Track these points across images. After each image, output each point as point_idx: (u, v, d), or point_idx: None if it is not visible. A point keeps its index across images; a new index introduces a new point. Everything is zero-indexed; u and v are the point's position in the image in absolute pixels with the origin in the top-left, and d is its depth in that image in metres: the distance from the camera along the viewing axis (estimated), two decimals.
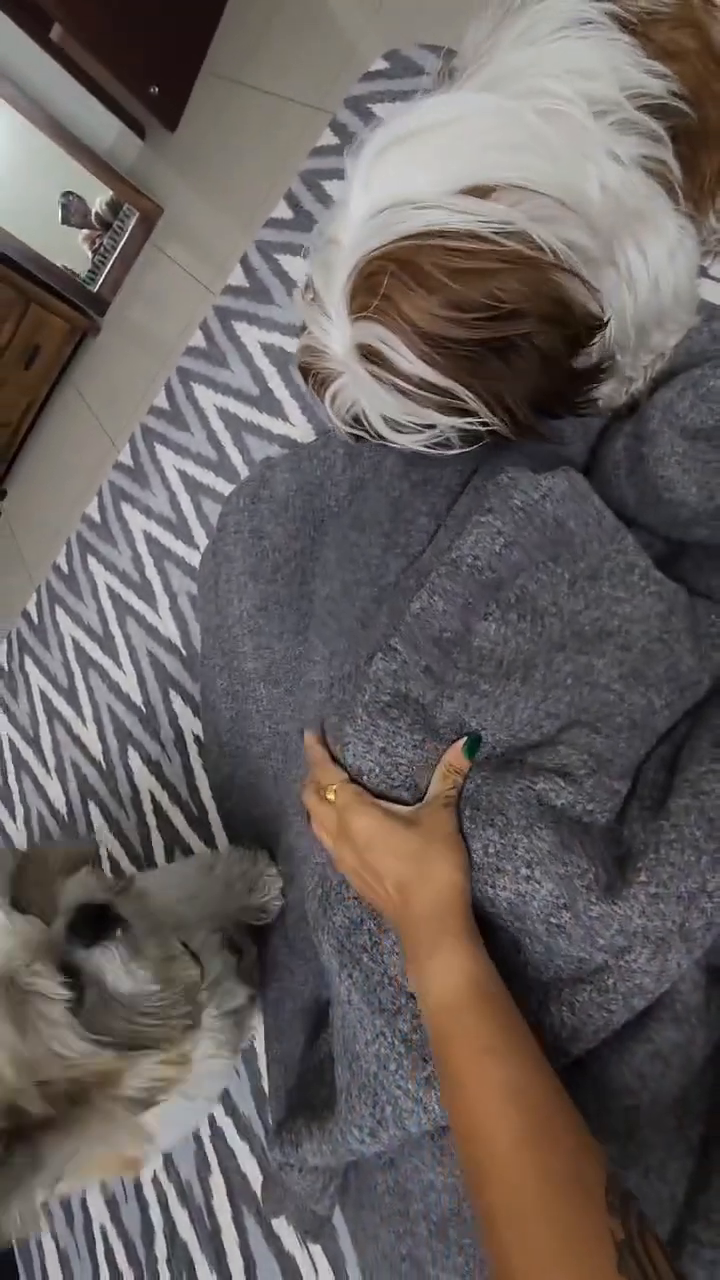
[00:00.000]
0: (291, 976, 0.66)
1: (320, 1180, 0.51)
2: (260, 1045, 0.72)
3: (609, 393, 0.61)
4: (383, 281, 0.37)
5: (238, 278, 1.00)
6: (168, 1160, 0.75)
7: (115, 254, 2.13)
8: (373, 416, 0.42)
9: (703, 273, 0.60)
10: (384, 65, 0.91)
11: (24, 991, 0.40)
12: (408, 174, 0.38)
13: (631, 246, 0.47)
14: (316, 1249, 0.63)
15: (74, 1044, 0.40)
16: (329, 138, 0.95)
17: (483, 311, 0.36)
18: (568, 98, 0.40)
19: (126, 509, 1.07)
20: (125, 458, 1.09)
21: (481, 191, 0.37)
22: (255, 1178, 0.70)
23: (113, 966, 0.44)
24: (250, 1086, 0.72)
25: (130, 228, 2.09)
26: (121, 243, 2.11)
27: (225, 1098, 0.73)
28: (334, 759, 0.51)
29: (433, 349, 0.38)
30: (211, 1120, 0.73)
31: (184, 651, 0.92)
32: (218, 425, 0.98)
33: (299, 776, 0.62)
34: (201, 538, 0.96)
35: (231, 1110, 0.73)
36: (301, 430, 0.89)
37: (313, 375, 0.45)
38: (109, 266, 2.13)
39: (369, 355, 0.40)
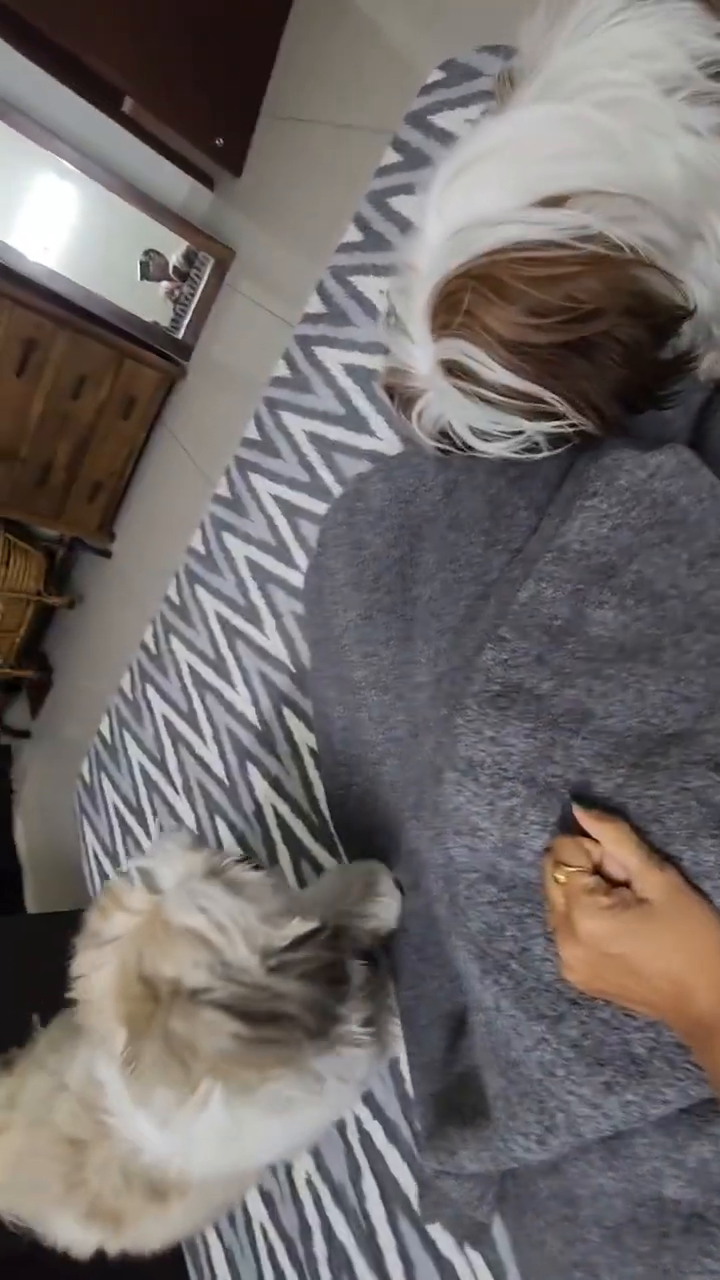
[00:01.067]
0: (424, 983, 0.67)
1: (478, 1187, 0.51)
2: (402, 1052, 0.73)
3: (709, 365, 0.58)
4: (464, 299, 0.39)
5: (315, 305, 1.04)
6: (319, 1161, 0.77)
7: (194, 301, 2.25)
8: (460, 428, 0.44)
9: None
10: (440, 75, 0.92)
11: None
12: (478, 195, 0.40)
13: (717, 217, 0.45)
14: (475, 1255, 0.63)
15: None
16: (392, 156, 0.97)
17: (562, 314, 0.37)
18: (634, 83, 0.39)
19: (228, 538, 1.12)
20: (223, 490, 1.15)
21: (555, 201, 0.38)
22: (406, 1182, 0.70)
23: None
24: (395, 1090, 0.72)
25: (206, 274, 2.21)
26: (200, 289, 2.23)
27: (370, 1100, 0.74)
28: (583, 834, 0.44)
29: (516, 356, 0.39)
30: (358, 1123, 0.75)
31: (292, 669, 0.96)
32: (308, 449, 1.01)
33: (417, 779, 0.63)
34: (301, 558, 0.99)
35: (378, 1113, 0.74)
36: (389, 443, 0.90)
37: (398, 395, 0.47)
38: (190, 313, 2.26)
39: (453, 370, 0.41)
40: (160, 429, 2.37)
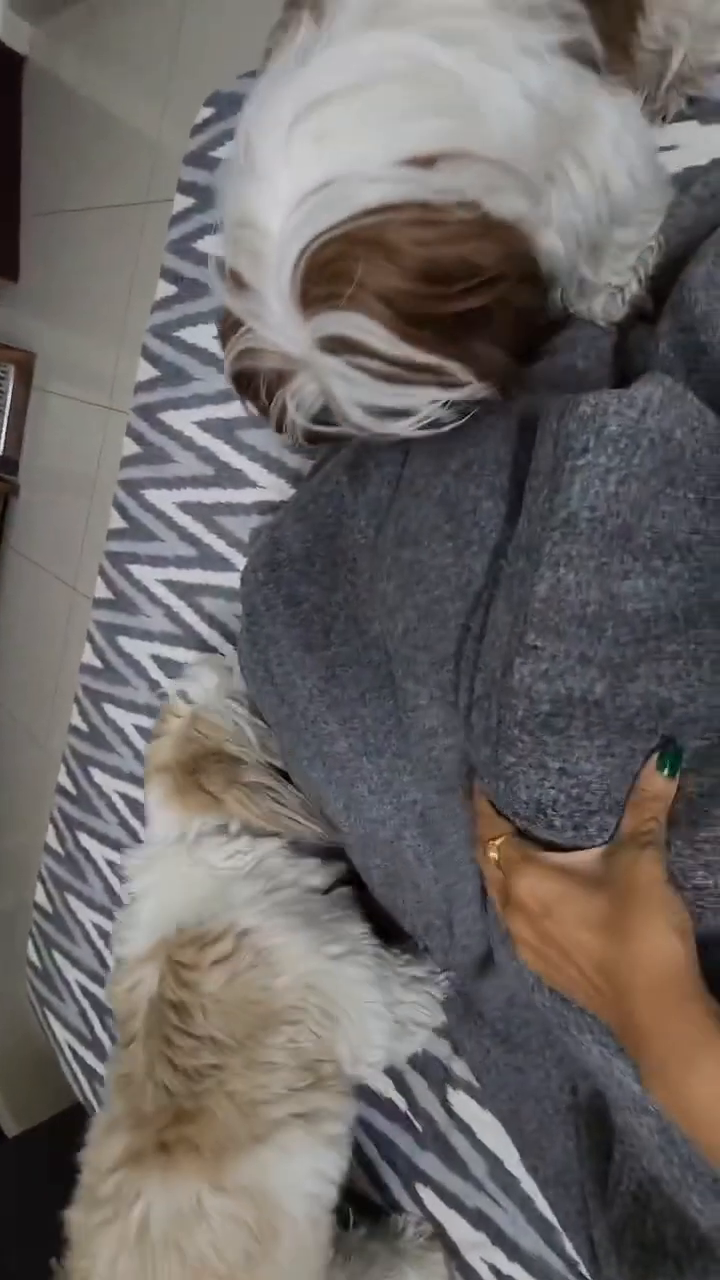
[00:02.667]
0: (523, 1076, 0.56)
1: None
2: (514, 1165, 0.61)
3: (600, 309, 0.55)
4: (349, 266, 0.34)
5: (145, 372, 0.95)
6: None
7: (5, 413, 2.11)
8: (349, 410, 0.39)
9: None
10: (210, 111, 0.87)
11: None
12: (340, 146, 0.34)
13: (569, 157, 0.42)
14: None
15: None
16: (184, 201, 0.91)
17: (462, 281, 0.34)
18: (468, 9, 0.35)
19: (125, 641, 0.99)
20: (102, 592, 1.02)
21: (424, 161, 0.34)
22: None
23: None
24: (524, 1216, 0.60)
25: (11, 385, 2.08)
26: (8, 401, 2.09)
27: (500, 1237, 0.62)
28: (498, 811, 0.43)
29: (414, 327, 0.35)
30: (496, 1271, 0.62)
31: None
32: (185, 520, 0.91)
33: (456, 850, 0.53)
34: (215, 638, 0.88)
35: (513, 1251, 0.61)
36: (274, 489, 0.82)
37: (258, 379, 0.41)
38: (4, 428, 2.11)
39: (338, 346, 0.36)
40: (6, 552, 2.17)
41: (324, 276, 0.34)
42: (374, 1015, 0.58)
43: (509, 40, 0.36)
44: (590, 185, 0.43)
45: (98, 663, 1.03)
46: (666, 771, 0.37)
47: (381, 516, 0.55)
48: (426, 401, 0.39)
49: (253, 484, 0.83)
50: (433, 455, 0.50)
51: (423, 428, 0.40)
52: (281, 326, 0.37)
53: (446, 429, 0.42)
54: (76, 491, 1.93)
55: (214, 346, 0.88)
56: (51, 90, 2.00)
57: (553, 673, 0.37)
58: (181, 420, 0.91)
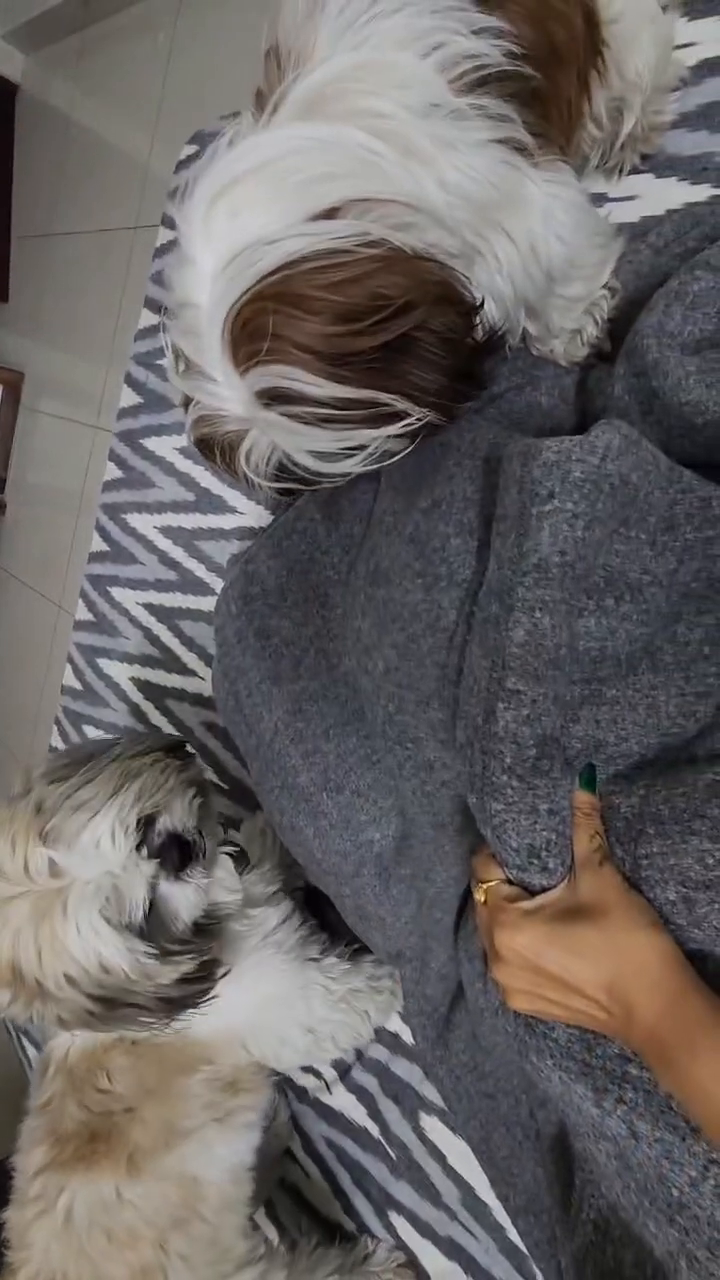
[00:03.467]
0: (493, 1103, 0.56)
1: None
2: (486, 1193, 0.61)
3: (562, 350, 0.56)
4: (266, 322, 0.35)
5: (129, 398, 0.96)
6: None
7: None
8: (299, 457, 0.40)
9: (602, 201, 0.57)
10: (193, 149, 0.89)
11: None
12: (248, 218, 0.37)
13: (494, 232, 0.44)
14: None
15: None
16: (167, 234, 0.92)
17: (374, 314, 0.35)
18: (389, 114, 0.38)
19: (105, 663, 0.99)
20: (83, 614, 1.02)
21: (328, 214, 0.36)
22: None
23: (186, 897, 0.48)
24: (496, 1244, 0.60)
25: None
26: None
27: (473, 1266, 0.62)
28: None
29: (338, 367, 0.36)
30: None
31: (225, 786, 0.84)
32: (165, 545, 0.92)
33: (444, 889, 0.53)
34: (194, 661, 0.89)
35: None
36: (253, 515, 0.83)
37: (216, 446, 0.42)
38: None
39: (274, 399, 0.37)
40: None
41: (246, 336, 0.36)
42: (288, 1038, 0.61)
43: (428, 139, 0.38)
44: (517, 255, 0.45)
45: (77, 684, 1.04)
46: (584, 786, 0.39)
47: (354, 553, 0.57)
48: (369, 437, 0.40)
49: (232, 510, 0.85)
50: (403, 493, 0.51)
51: (375, 460, 0.41)
52: (223, 391, 0.38)
53: (400, 457, 0.42)
54: (63, 509, 1.93)
55: (169, 356, 0.90)
56: (43, 117, 2.03)
57: (533, 716, 0.38)
58: (163, 446, 0.92)
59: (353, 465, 0.41)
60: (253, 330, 0.36)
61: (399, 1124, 0.67)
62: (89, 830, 0.45)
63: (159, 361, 0.93)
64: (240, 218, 0.36)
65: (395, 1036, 0.69)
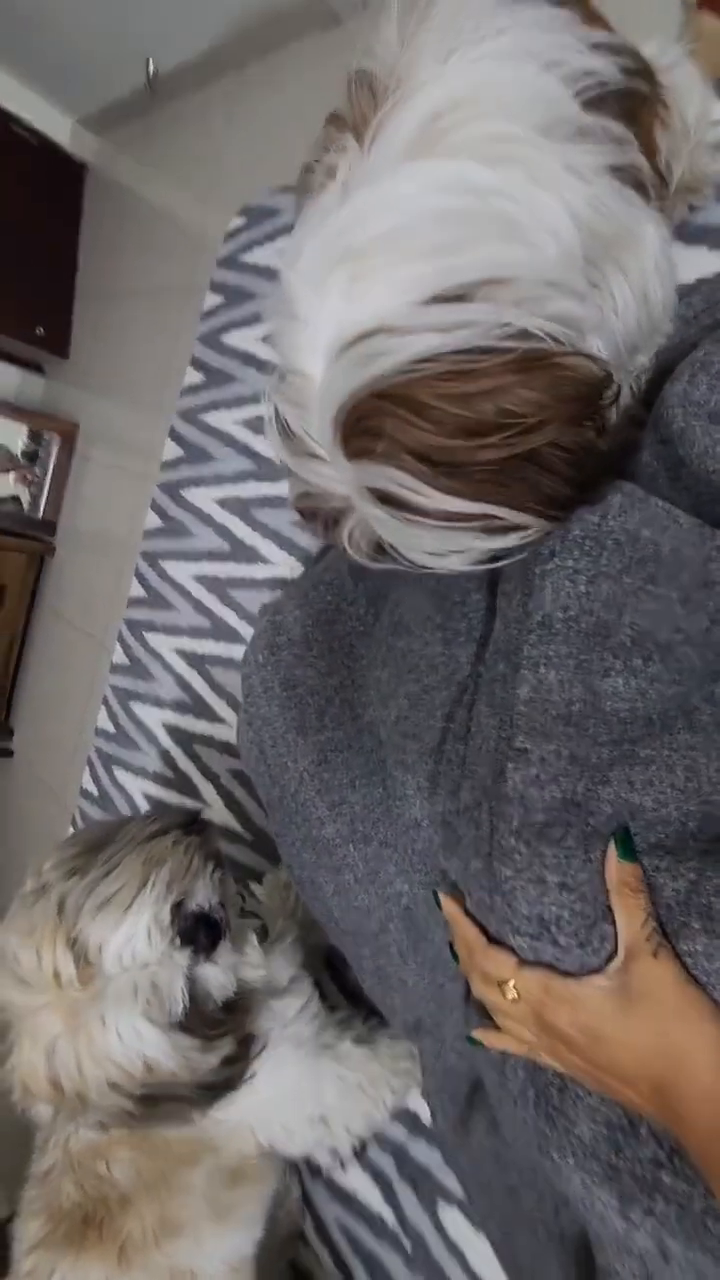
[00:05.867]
0: (516, 1200, 0.52)
1: None
2: None
3: None
4: (382, 424, 0.33)
5: (171, 451, 1.00)
6: None
7: (48, 478, 2.21)
8: (403, 550, 0.37)
9: None
10: (242, 221, 0.94)
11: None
12: (370, 289, 0.33)
13: (613, 269, 0.40)
14: None
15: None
16: (214, 299, 0.97)
17: (501, 431, 0.32)
18: (511, 136, 0.34)
19: (137, 707, 1.00)
20: (119, 658, 1.04)
21: (459, 296, 0.32)
22: None
23: (218, 978, 0.47)
24: None
25: (55, 452, 2.19)
26: (51, 467, 2.20)
27: None
28: (489, 936, 0.41)
29: (453, 479, 0.33)
30: None
31: (247, 836, 0.83)
32: (200, 593, 0.93)
33: (442, 949, 0.51)
34: (223, 708, 0.89)
35: None
36: (285, 565, 0.84)
37: (318, 518, 0.40)
38: (45, 491, 2.21)
39: (383, 498, 0.35)
40: (41, 609, 2.24)
41: (359, 430, 0.34)
42: (298, 1129, 0.58)
43: (555, 161, 0.35)
44: (631, 296, 0.41)
45: (111, 727, 1.05)
46: (623, 856, 0.36)
47: (380, 604, 0.56)
48: (481, 549, 0.37)
49: (265, 560, 0.86)
50: None
51: (483, 561, 0.38)
52: (329, 472, 0.36)
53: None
54: (109, 554, 2.00)
55: (235, 431, 0.93)
56: (110, 192, 2.18)
57: (544, 777, 0.36)
58: (202, 497, 0.95)
59: (458, 563, 0.37)
60: (366, 428, 0.33)
61: (416, 1213, 0.63)
62: (123, 930, 0.43)
63: (201, 417, 0.96)
64: (364, 290, 0.33)
65: (415, 1117, 0.65)
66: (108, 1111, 0.43)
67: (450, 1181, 0.62)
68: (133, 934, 0.43)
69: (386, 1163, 0.66)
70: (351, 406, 0.33)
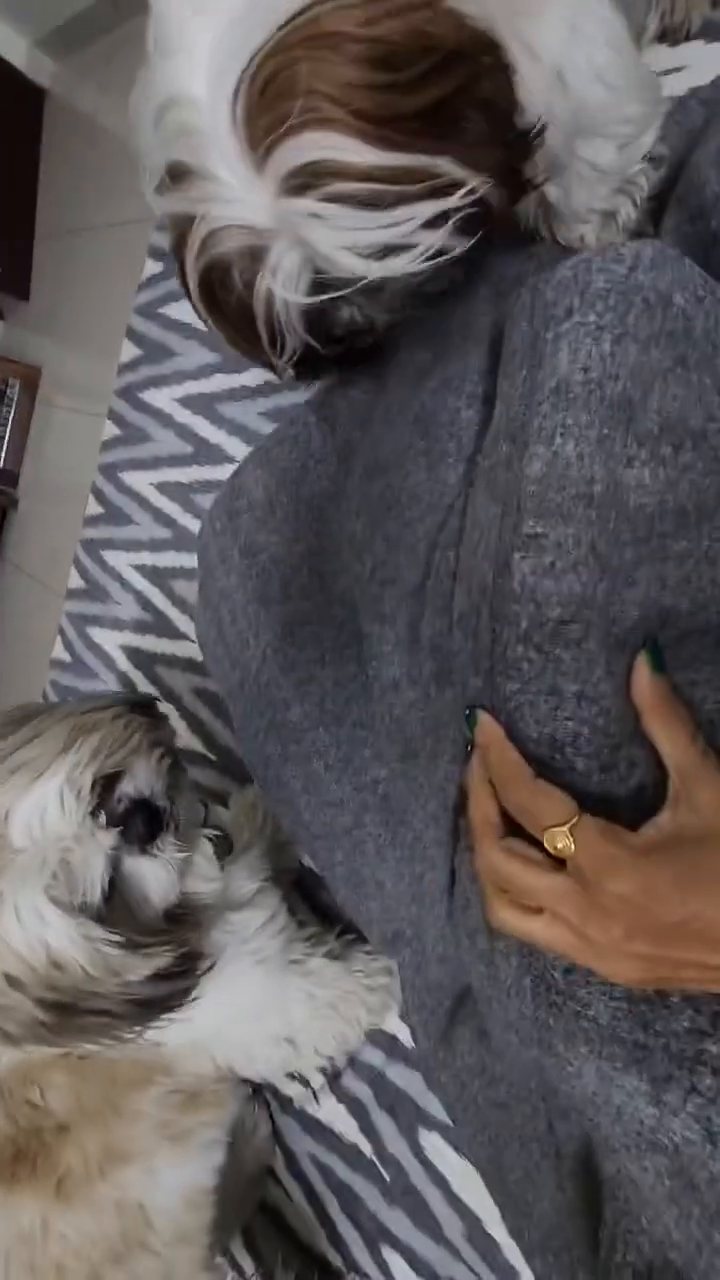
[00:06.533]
0: (506, 1114, 0.47)
1: None
2: (495, 1225, 0.52)
3: (594, 239, 0.50)
4: (294, 74, 0.29)
5: (129, 351, 0.92)
6: None
7: (8, 427, 2.10)
8: (340, 259, 0.32)
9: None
10: None
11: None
12: None
13: (514, 42, 0.36)
14: None
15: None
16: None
17: (419, 61, 0.29)
18: None
19: (95, 632, 0.93)
20: (75, 581, 0.97)
21: None
22: None
23: (157, 876, 0.41)
24: None
25: (16, 398, 2.08)
26: (12, 414, 2.09)
27: None
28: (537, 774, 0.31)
29: (382, 127, 0.30)
30: None
31: (213, 758, 0.77)
32: (161, 501, 0.86)
33: (423, 833, 0.45)
34: (185, 623, 0.82)
35: None
36: None
37: (231, 269, 0.35)
38: (6, 440, 2.10)
39: (305, 183, 0.30)
40: (3, 565, 2.14)
41: (267, 102, 0.29)
42: (260, 1050, 0.53)
43: None
44: (541, 81, 0.36)
45: (66, 656, 0.98)
46: (654, 667, 0.30)
47: (353, 459, 0.50)
48: (426, 210, 0.32)
49: (230, 459, 0.79)
50: (410, 382, 0.45)
51: (427, 259, 0.33)
52: (238, 191, 0.32)
53: (405, 351, 0.35)
54: (75, 505, 1.91)
55: (198, 321, 0.85)
56: (70, 121, 2.06)
57: (561, 566, 0.30)
58: (161, 398, 0.87)
59: (404, 264, 0.33)
60: (279, 89, 0.29)
61: (395, 1141, 0.58)
62: (33, 794, 0.37)
63: (161, 310, 0.88)
64: None
65: (393, 1039, 0.60)
66: (13, 1018, 0.37)
67: (432, 1106, 0.57)
68: (43, 800, 0.37)
69: (362, 1090, 0.60)
70: (253, 76, 0.29)
